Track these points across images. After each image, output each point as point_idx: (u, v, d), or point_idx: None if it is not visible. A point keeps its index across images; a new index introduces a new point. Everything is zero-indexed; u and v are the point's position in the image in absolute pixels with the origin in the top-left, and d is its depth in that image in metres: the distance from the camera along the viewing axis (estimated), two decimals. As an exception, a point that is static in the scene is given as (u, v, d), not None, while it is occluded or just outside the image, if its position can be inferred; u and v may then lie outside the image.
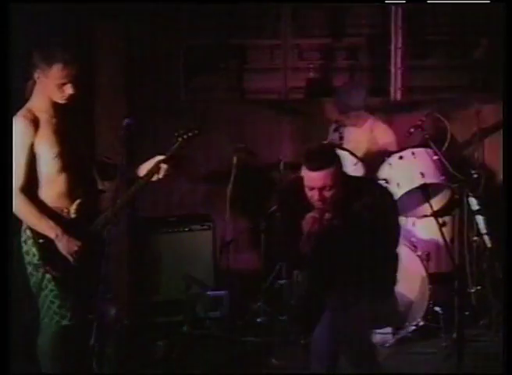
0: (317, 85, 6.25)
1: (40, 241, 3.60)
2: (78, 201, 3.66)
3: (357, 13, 6.19)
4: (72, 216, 3.66)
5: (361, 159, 5.01)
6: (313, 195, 3.57)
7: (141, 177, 3.77)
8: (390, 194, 3.92)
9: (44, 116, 3.58)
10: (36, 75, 3.55)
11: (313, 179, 3.56)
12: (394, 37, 6.15)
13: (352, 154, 4.99)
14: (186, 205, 5.87)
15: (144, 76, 5.71)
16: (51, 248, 3.59)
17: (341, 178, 3.61)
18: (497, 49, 5.34)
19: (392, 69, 6.18)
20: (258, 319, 5.13)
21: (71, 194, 3.65)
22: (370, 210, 3.60)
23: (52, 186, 3.62)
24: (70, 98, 3.56)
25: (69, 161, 3.63)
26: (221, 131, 5.77)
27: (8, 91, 3.63)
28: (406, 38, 6.14)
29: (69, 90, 3.54)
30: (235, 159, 5.35)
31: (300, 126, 6.05)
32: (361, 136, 5.45)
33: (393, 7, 6.09)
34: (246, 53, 6.22)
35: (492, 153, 5.31)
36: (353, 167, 4.94)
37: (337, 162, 3.64)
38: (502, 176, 3.99)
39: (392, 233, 3.75)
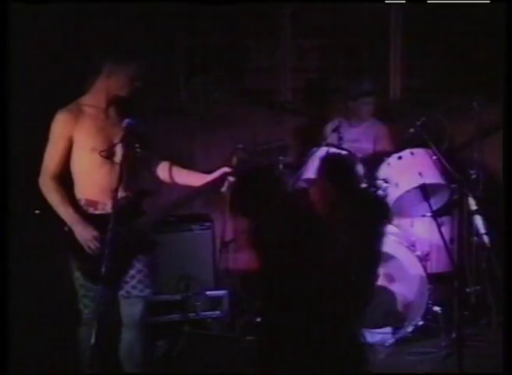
0: (317, 85, 6.25)
1: (65, 228, 3.68)
2: (117, 198, 3.65)
3: (357, 13, 6.19)
4: (108, 211, 3.66)
5: (361, 159, 5.02)
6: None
7: (201, 186, 3.81)
8: None
9: (92, 111, 3.68)
10: (106, 69, 3.66)
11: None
12: (394, 37, 6.16)
13: (351, 154, 5.00)
14: (185, 205, 5.87)
15: (144, 77, 5.70)
16: (75, 237, 3.65)
17: None
18: (497, 50, 5.34)
19: (392, 69, 6.19)
20: (258, 319, 5.14)
21: (111, 189, 3.65)
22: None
23: (91, 179, 3.69)
24: (135, 92, 3.71)
25: (108, 156, 3.68)
26: (221, 131, 5.78)
27: (9, 91, 3.65)
28: (406, 38, 6.15)
29: (138, 84, 3.69)
30: (234, 160, 5.35)
31: (300, 126, 6.06)
32: (361, 136, 5.47)
33: (393, 7, 6.10)
34: (246, 53, 6.23)
35: (491, 153, 5.31)
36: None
37: None
38: (501, 176, 3.99)
39: None
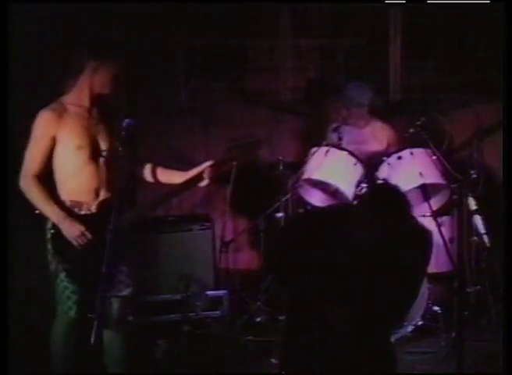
0: (317, 85, 6.25)
1: (52, 231, 3.66)
2: (102, 199, 3.70)
3: (357, 13, 6.19)
4: (93, 211, 3.69)
5: (360, 160, 5.01)
6: None
7: (183, 183, 3.84)
8: None
9: (76, 110, 3.67)
10: (88, 68, 3.64)
11: None
12: (394, 37, 6.16)
13: (351, 154, 4.99)
14: (185, 205, 5.88)
15: (144, 77, 5.71)
16: (62, 238, 3.63)
17: None
18: (497, 49, 5.34)
19: (392, 70, 6.19)
20: (258, 319, 5.15)
21: (95, 190, 3.70)
22: None
23: (75, 179, 3.67)
24: (118, 89, 3.71)
25: (93, 155, 3.69)
26: (221, 131, 5.78)
27: (9, 91, 3.65)
28: (406, 38, 6.15)
29: (121, 80, 3.70)
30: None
31: (300, 126, 6.06)
32: (360, 136, 5.46)
33: (393, 7, 6.10)
34: (246, 53, 6.22)
35: (491, 153, 5.31)
36: (352, 167, 4.95)
37: None
38: (501, 176, 3.99)
39: None
